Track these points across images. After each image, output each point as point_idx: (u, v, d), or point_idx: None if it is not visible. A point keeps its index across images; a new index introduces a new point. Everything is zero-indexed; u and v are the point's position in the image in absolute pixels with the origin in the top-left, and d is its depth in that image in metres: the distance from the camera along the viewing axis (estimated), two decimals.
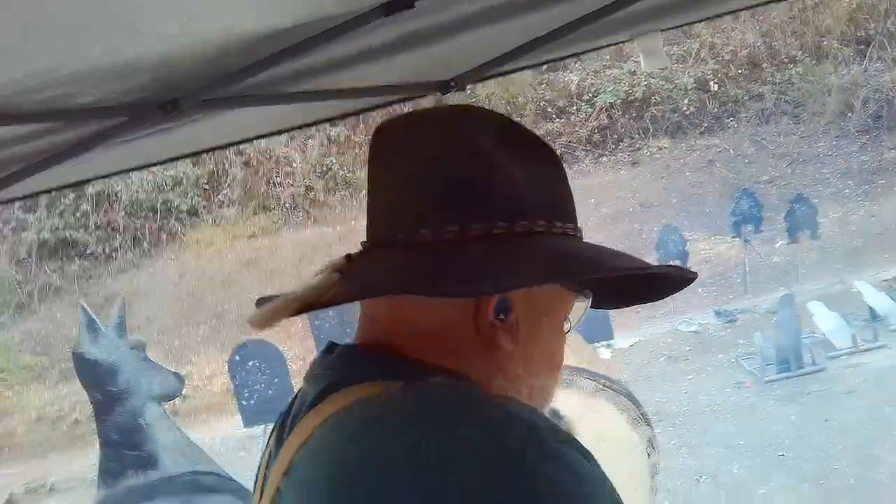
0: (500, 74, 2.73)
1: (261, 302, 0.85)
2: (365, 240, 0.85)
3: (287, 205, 15.05)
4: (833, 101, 14.10)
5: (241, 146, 10.68)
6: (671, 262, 9.85)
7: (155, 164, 3.02)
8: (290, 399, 0.84)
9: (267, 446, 0.84)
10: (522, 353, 0.78)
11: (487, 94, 16.12)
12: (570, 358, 2.90)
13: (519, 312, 0.77)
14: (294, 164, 15.36)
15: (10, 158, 1.69)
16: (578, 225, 0.83)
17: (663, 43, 2.74)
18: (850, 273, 9.84)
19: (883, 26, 15.09)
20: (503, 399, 0.73)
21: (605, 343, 8.25)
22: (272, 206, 15.15)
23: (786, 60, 15.38)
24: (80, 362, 4.72)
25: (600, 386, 3.20)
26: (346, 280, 0.76)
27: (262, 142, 12.76)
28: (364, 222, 0.85)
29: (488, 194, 0.77)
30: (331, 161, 15.60)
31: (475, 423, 0.66)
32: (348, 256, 0.82)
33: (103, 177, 2.80)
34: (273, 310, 0.78)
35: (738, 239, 10.16)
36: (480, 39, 2.27)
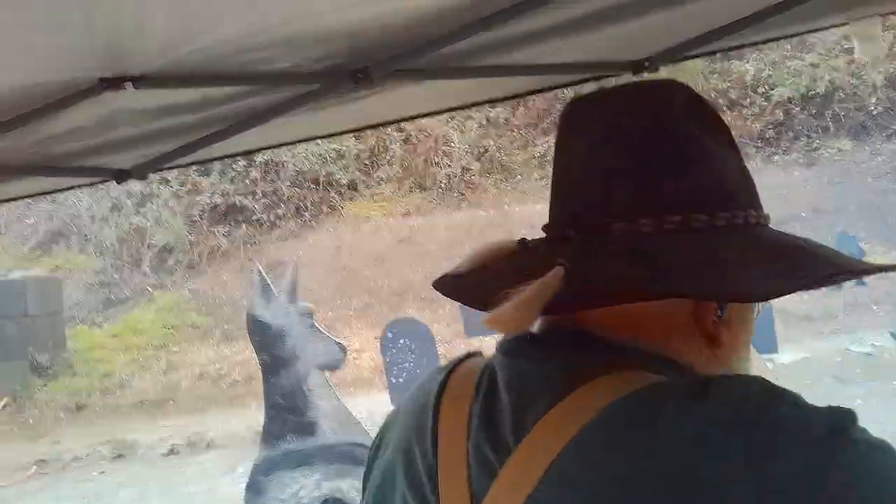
0: (701, 55, 2.55)
1: (443, 284, 0.82)
2: (549, 223, 0.79)
3: (443, 185, 15.18)
4: None
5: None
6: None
7: (333, 135, 3.05)
8: (428, 383, 0.82)
9: (406, 439, 0.78)
10: (733, 344, 0.75)
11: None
12: None
13: (733, 307, 0.74)
14: (452, 144, 15.44)
15: (212, 119, 1.71)
16: None
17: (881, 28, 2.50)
18: None
19: None
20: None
21: (768, 356, 7.79)
22: (428, 185, 15.33)
23: None
24: (252, 323, 4.81)
25: None
26: (579, 278, 0.68)
27: (424, 119, 12.93)
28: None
29: (702, 181, 0.73)
30: (489, 143, 15.58)
31: (791, 408, 0.62)
32: (523, 242, 0.79)
33: (281, 145, 2.85)
34: (515, 311, 0.67)
35: None
36: (678, 18, 2.10)
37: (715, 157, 0.74)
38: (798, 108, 14.49)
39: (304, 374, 4.64)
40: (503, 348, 0.77)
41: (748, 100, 15.03)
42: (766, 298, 0.73)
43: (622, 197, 0.73)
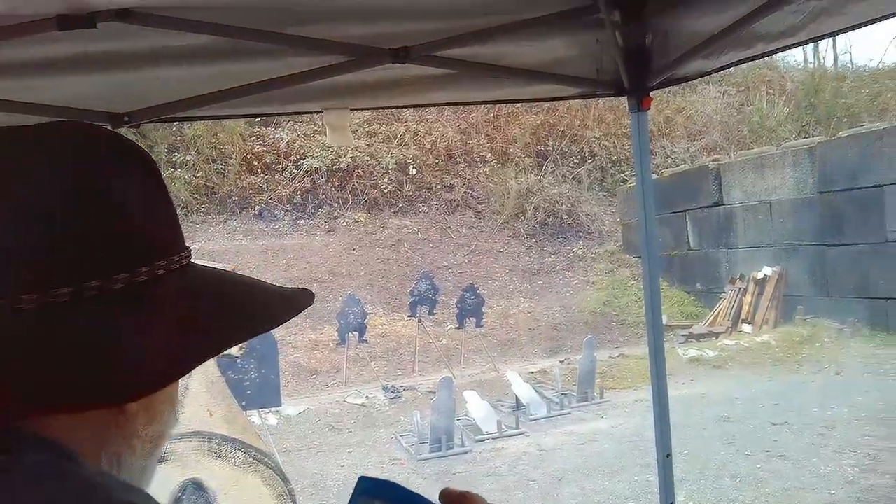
0: (180, 119, 2.73)
1: None
2: None
3: None
4: (510, 204, 15.71)
5: None
6: (350, 333, 10.13)
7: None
8: None
9: None
10: (148, 406, 0.68)
11: (194, 136, 15.58)
12: (222, 427, 2.83)
13: None
14: None
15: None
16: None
17: (350, 121, 2.93)
18: (504, 362, 10.87)
19: (559, 145, 17.28)
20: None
21: (273, 409, 8.17)
22: None
23: (477, 159, 16.90)
24: None
25: (251, 458, 3.18)
26: None
27: None
28: None
29: (102, 237, 0.63)
30: None
31: None
32: None
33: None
34: None
35: (413, 318, 10.72)
36: (163, 78, 2.24)
37: (114, 204, 0.65)
38: (324, 179, 15.81)
39: None
40: None
41: (281, 166, 15.92)
42: (149, 391, 0.64)
43: (7, 269, 0.60)
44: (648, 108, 2.59)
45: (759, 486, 5.95)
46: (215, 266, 0.80)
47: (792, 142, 13.17)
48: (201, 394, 2.85)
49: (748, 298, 11.54)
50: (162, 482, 2.85)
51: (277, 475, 3.12)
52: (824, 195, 10.58)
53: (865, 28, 2.25)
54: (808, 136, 14.60)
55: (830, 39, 18.96)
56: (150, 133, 15.45)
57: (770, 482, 6.01)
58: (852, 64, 21.70)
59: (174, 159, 15.37)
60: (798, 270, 11.16)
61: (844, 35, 17.60)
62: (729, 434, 7.33)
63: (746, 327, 11.33)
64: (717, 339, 11.23)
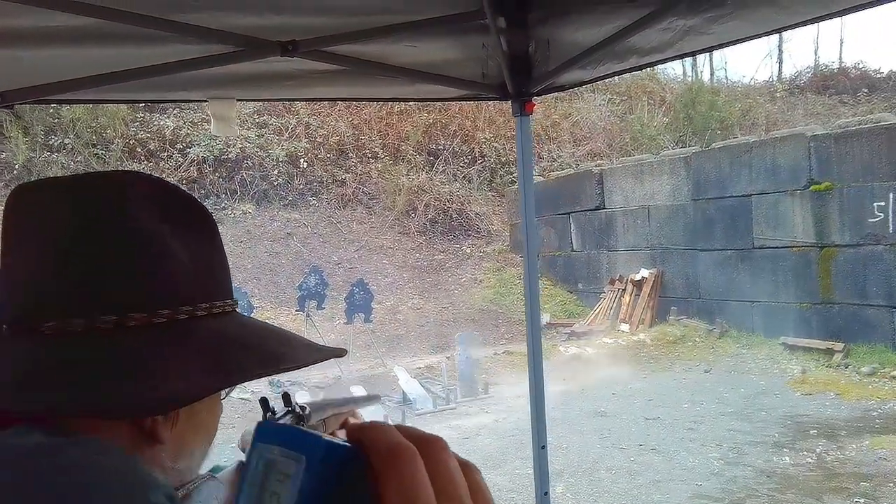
0: (57, 102, 2.65)
1: None
2: None
3: None
4: (401, 201, 15.78)
5: None
6: None
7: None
8: None
9: None
10: (177, 439, 0.72)
11: (73, 119, 14.84)
12: None
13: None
14: None
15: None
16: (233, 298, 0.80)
17: (236, 112, 2.90)
18: (392, 358, 10.92)
19: (450, 145, 17.48)
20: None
21: None
22: None
23: (369, 155, 16.87)
24: None
25: None
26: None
27: None
28: None
29: (146, 276, 0.70)
30: None
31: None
32: None
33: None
34: None
35: (301, 313, 10.62)
36: (41, 59, 2.16)
37: (159, 247, 0.72)
38: (211, 169, 15.39)
39: None
40: None
41: (166, 153, 15.39)
42: (174, 408, 0.70)
43: (56, 294, 0.68)
44: (531, 113, 2.69)
45: (632, 478, 6.24)
46: None
47: (670, 151, 13.84)
48: None
49: (626, 299, 12.04)
50: None
51: None
52: (698, 202, 11.18)
53: (739, 45, 2.44)
54: (685, 146, 15.37)
55: (707, 55, 20.01)
56: (25, 114, 14.62)
57: (642, 474, 6.31)
58: (727, 79, 23.05)
59: (51, 142, 14.60)
60: (673, 273, 11.74)
61: (720, 51, 18.66)
62: (605, 428, 7.64)
63: (624, 326, 11.82)
64: (596, 337, 11.67)
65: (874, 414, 7.54)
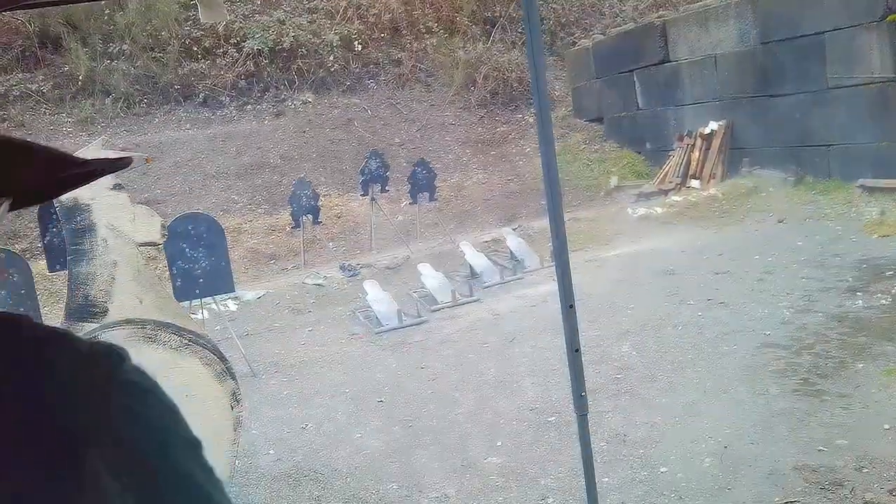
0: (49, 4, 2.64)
1: None
2: None
3: None
4: (460, 75, 15.45)
5: None
6: (304, 216, 10.13)
7: None
8: None
9: None
10: None
11: (126, 24, 14.93)
12: (154, 313, 2.91)
13: None
14: None
15: None
16: None
17: None
18: (459, 233, 11.03)
19: (506, 11, 16.86)
20: None
21: (231, 296, 8.29)
22: None
23: (423, 31, 16.46)
24: None
25: (186, 341, 3.27)
26: None
27: None
28: None
29: None
30: None
31: None
32: None
33: None
34: None
35: (366, 197, 10.75)
36: None
37: None
38: (267, 62, 15.33)
39: None
40: None
41: (222, 49, 15.38)
42: None
43: None
44: None
45: (699, 332, 6.26)
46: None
47: None
48: (128, 283, 2.90)
49: (696, 154, 11.69)
50: None
51: (214, 354, 3.22)
52: (767, 45, 10.56)
53: None
54: None
55: None
56: (81, 24, 14.77)
57: (710, 328, 6.32)
58: None
59: (110, 50, 14.77)
60: (743, 124, 11.28)
61: None
62: (673, 286, 7.62)
63: (695, 182, 11.54)
64: (666, 196, 11.45)
65: None
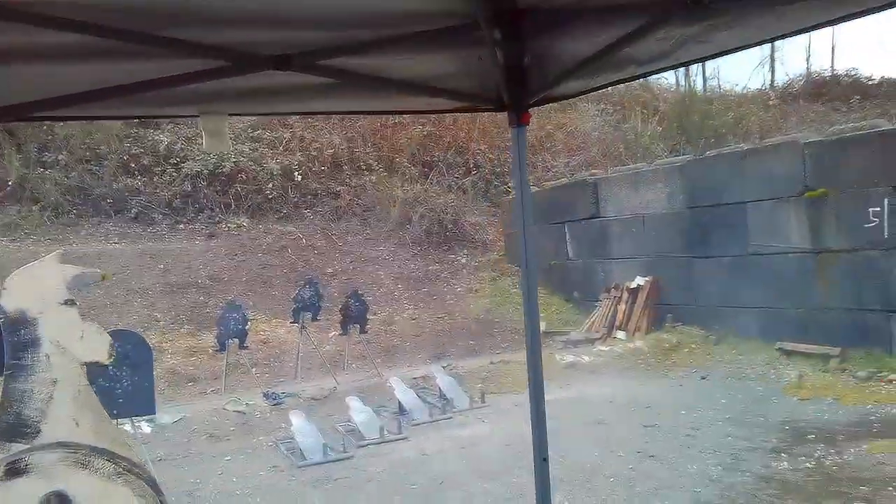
0: (46, 119, 2.65)
1: None
2: None
3: None
4: (396, 212, 15.78)
5: None
6: (230, 340, 9.89)
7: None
8: None
9: None
10: None
11: (66, 136, 14.83)
12: (90, 437, 2.72)
13: None
14: None
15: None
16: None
17: (228, 127, 2.88)
18: (388, 367, 10.89)
19: (444, 156, 17.50)
20: None
21: (147, 418, 7.88)
22: None
23: (363, 167, 16.88)
24: None
25: (121, 469, 3.05)
26: None
27: None
28: None
29: None
30: None
31: None
32: None
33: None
34: None
35: (296, 324, 10.59)
36: (30, 76, 2.15)
37: None
38: (205, 183, 15.37)
39: None
40: None
41: (160, 168, 15.37)
42: None
43: None
44: (527, 124, 2.70)
45: (630, 486, 6.22)
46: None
47: (664, 159, 13.87)
48: (67, 403, 2.73)
49: (622, 307, 12.04)
50: (23, 496, 2.72)
51: (149, 486, 3.01)
52: (693, 210, 11.19)
53: (731, 55, 2.44)
54: (679, 155, 15.41)
55: (700, 64, 20.08)
56: (19, 131, 14.60)
57: (641, 482, 6.29)
58: (720, 87, 23.08)
59: (44, 159, 14.59)
60: (668, 280, 11.75)
61: (712, 61, 18.73)
62: (603, 436, 7.62)
63: (620, 334, 11.81)
64: (592, 345, 11.66)
65: (872, 418, 7.53)
